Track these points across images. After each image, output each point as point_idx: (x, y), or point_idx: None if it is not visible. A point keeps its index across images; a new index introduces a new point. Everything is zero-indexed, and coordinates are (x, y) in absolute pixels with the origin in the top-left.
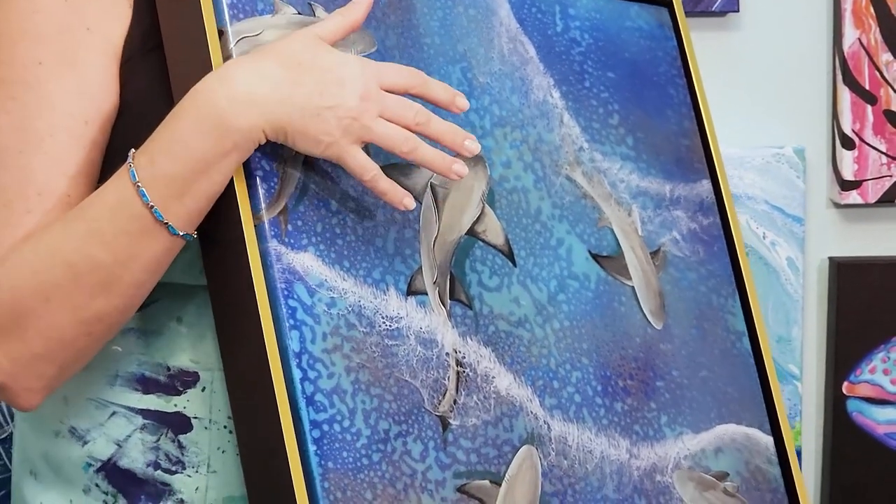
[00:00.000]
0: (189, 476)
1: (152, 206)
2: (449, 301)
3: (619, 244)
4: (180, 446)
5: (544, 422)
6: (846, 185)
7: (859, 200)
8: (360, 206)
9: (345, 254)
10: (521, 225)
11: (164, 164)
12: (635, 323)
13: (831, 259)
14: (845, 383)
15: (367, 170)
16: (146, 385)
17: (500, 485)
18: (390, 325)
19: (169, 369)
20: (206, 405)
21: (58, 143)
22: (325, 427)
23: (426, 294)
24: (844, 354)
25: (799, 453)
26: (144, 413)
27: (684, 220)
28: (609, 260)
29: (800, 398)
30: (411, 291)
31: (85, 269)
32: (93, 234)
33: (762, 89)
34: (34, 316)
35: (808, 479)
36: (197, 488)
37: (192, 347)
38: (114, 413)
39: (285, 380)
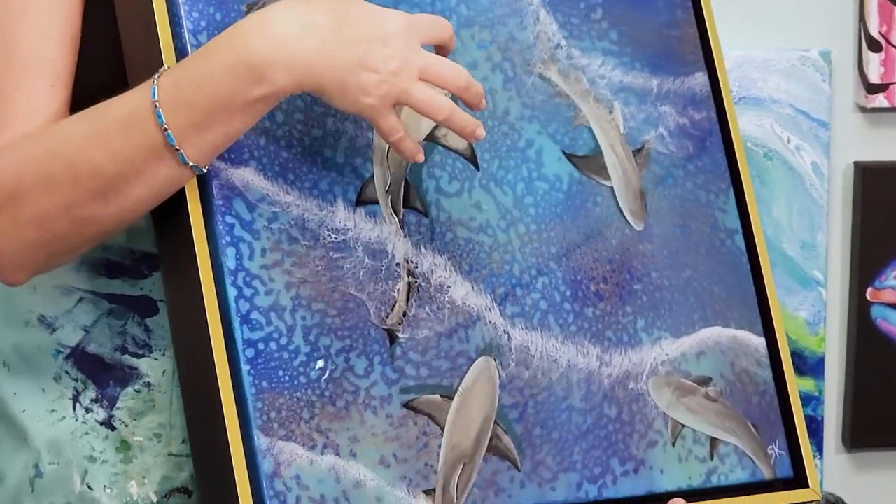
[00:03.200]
0: (156, 359)
1: (166, 130)
2: (402, 209)
3: (597, 143)
4: (147, 330)
5: (504, 331)
6: (872, 89)
7: (886, 104)
8: (309, 116)
9: (290, 166)
10: (487, 127)
11: (189, 93)
12: (612, 224)
13: (856, 164)
14: (869, 289)
15: (396, 131)
16: (112, 269)
17: (452, 398)
18: (336, 238)
19: (133, 253)
20: None
21: (42, 11)
22: (261, 346)
23: (377, 203)
24: (869, 260)
25: (822, 360)
26: (111, 297)
27: (672, 115)
28: (585, 159)
29: (824, 304)
30: (361, 201)
31: (85, 172)
32: (100, 139)
33: None
34: (30, 204)
35: (831, 386)
36: (164, 371)
37: None
38: (81, 299)
39: (219, 299)
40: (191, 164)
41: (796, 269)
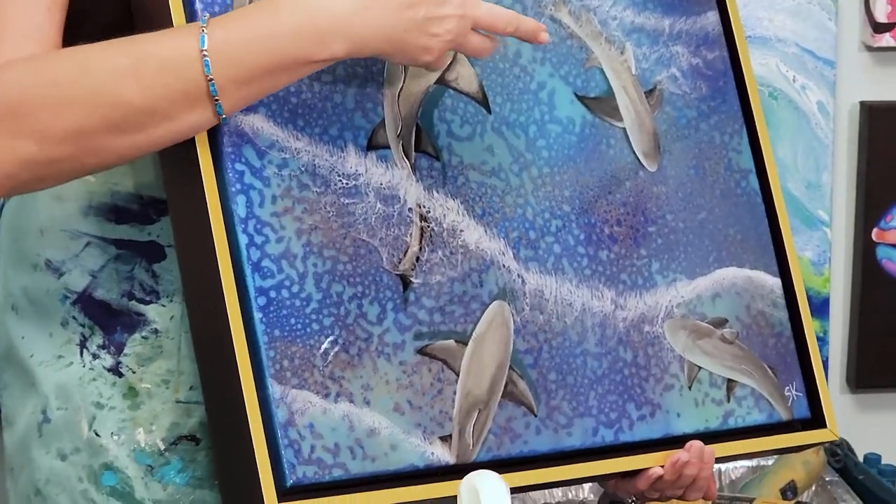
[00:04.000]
0: (163, 305)
1: (211, 80)
2: (414, 153)
3: (609, 84)
4: (154, 275)
5: (518, 275)
6: (879, 28)
7: (892, 43)
8: None
9: (299, 112)
10: (498, 70)
11: (241, 49)
12: (625, 166)
13: (862, 103)
14: (875, 230)
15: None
16: (119, 214)
17: (466, 344)
18: (347, 183)
19: (142, 198)
20: None
21: None
22: (273, 293)
23: (388, 148)
24: (874, 201)
25: (827, 301)
26: (118, 243)
27: (685, 55)
28: (597, 101)
29: (829, 244)
30: (372, 146)
31: (108, 102)
32: (133, 72)
33: None
34: (35, 121)
35: (835, 326)
36: (172, 317)
37: None
38: (88, 243)
39: (230, 246)
40: (223, 116)
41: (801, 210)
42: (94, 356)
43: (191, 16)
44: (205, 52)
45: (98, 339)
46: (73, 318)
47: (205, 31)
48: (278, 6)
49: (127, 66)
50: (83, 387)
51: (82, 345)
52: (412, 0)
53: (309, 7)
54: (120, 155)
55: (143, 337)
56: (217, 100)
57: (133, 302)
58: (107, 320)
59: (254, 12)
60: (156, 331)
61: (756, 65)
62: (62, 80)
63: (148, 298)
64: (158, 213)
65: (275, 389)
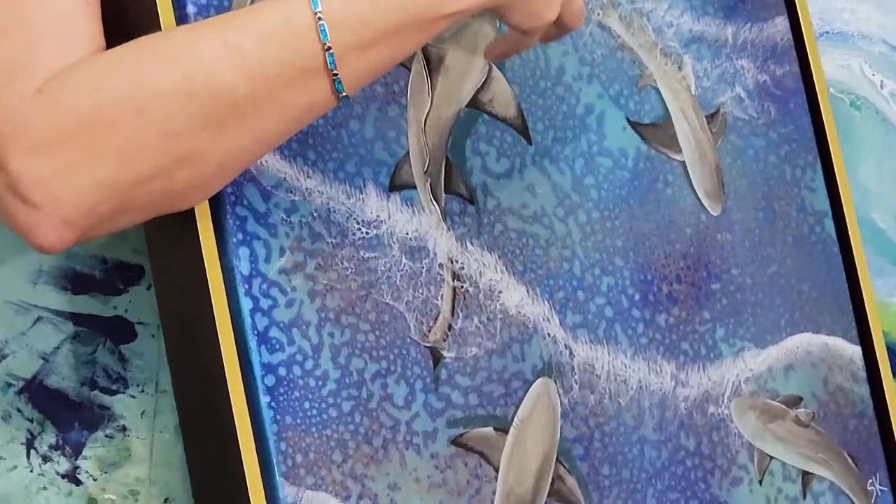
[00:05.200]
0: (133, 397)
1: (329, 49)
2: (444, 195)
3: (665, 107)
4: (122, 359)
5: (565, 346)
6: None
7: None
8: None
9: (310, 143)
10: (539, 90)
11: (365, 5)
12: (685, 209)
13: None
14: None
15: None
16: (78, 283)
17: (506, 432)
18: (367, 232)
19: (106, 261)
20: (152, 308)
21: None
22: (283, 371)
23: (415, 188)
24: None
25: None
26: (76, 318)
27: (751, 70)
28: (653, 128)
29: None
30: (395, 186)
31: (205, 87)
32: (233, 51)
33: None
34: (113, 129)
35: None
36: (143, 412)
37: (136, 234)
38: (38, 319)
39: (231, 312)
40: (343, 93)
41: (888, 246)
42: (45, 458)
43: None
44: (319, 15)
45: (50, 437)
46: (19, 410)
47: None
48: None
49: (224, 43)
50: (30, 497)
51: (30, 444)
52: None
53: None
54: (220, 162)
55: (106, 436)
56: (336, 73)
57: (95, 392)
58: (62, 414)
59: None
60: (123, 428)
61: (834, 67)
62: (147, 68)
63: (114, 388)
64: (126, 282)
65: (286, 492)
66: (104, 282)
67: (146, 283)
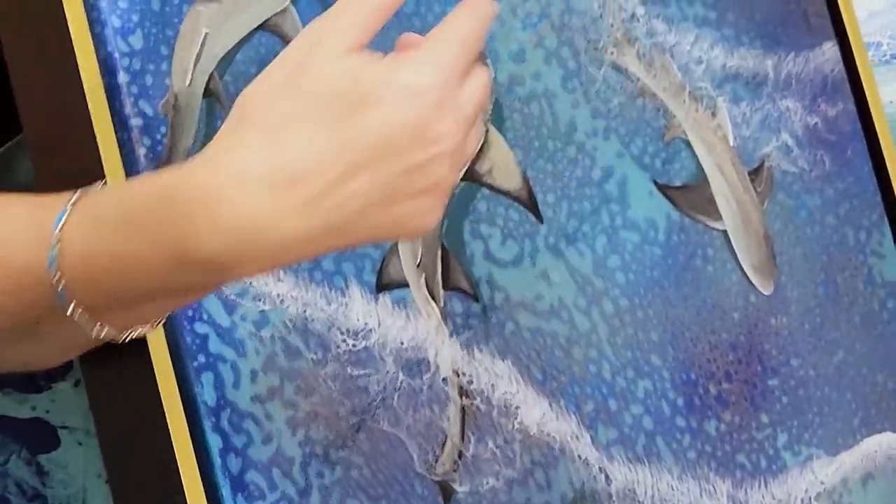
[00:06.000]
0: None
1: (75, 308)
2: (442, 292)
3: (699, 164)
4: (40, 471)
5: (599, 468)
6: None
7: None
8: None
9: None
10: (547, 153)
11: (107, 277)
12: (731, 289)
13: None
14: None
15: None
16: None
17: None
18: (354, 344)
19: None
20: (80, 409)
21: None
22: None
23: (407, 286)
24: None
25: None
26: None
27: (799, 112)
28: (685, 192)
29: None
30: (384, 285)
31: None
32: None
33: None
34: None
35: None
36: None
37: None
38: None
39: (197, 454)
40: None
41: None
42: None
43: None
44: (57, 277)
45: None
46: None
47: (59, 233)
48: (149, 213)
49: None
50: None
51: None
52: (379, 155)
53: (191, 226)
54: None
55: None
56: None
57: None
58: None
59: (124, 213)
60: None
61: None
62: None
63: None
64: (49, 378)
65: None
66: (20, 377)
67: (73, 378)
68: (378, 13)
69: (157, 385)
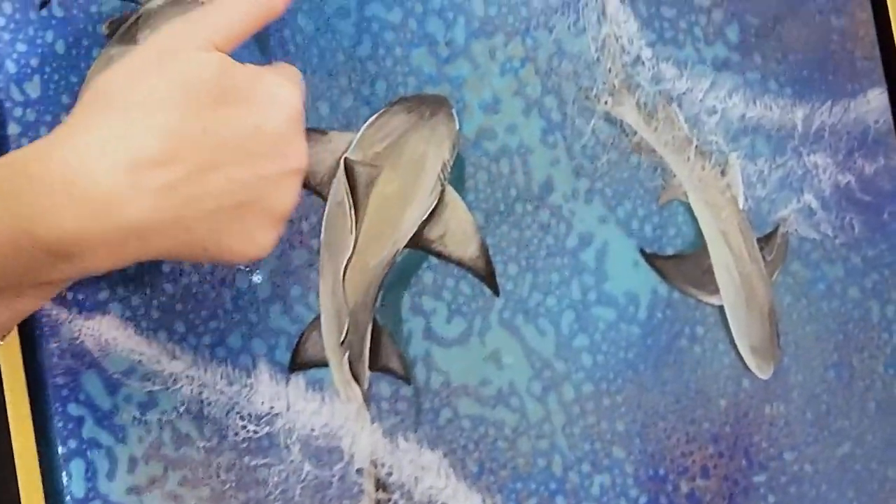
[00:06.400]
0: None
1: None
2: (368, 373)
3: (698, 231)
4: None
5: None
6: None
7: None
8: None
9: (177, 309)
10: (513, 217)
11: None
12: (720, 372)
13: None
14: None
15: None
16: None
17: None
18: (255, 431)
19: None
20: None
21: None
22: None
23: (326, 366)
24: None
25: None
26: None
27: (829, 169)
28: (677, 262)
29: None
30: (298, 364)
31: None
32: None
33: None
34: None
35: None
36: None
37: None
38: None
39: None
40: None
41: None
42: None
43: None
44: None
45: None
46: None
47: None
48: None
49: None
50: None
51: None
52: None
53: (38, 204)
54: None
55: None
56: None
57: None
58: None
59: None
60: None
61: None
62: None
63: None
64: None
65: None
66: None
67: None
68: (244, 22)
69: (16, 475)
